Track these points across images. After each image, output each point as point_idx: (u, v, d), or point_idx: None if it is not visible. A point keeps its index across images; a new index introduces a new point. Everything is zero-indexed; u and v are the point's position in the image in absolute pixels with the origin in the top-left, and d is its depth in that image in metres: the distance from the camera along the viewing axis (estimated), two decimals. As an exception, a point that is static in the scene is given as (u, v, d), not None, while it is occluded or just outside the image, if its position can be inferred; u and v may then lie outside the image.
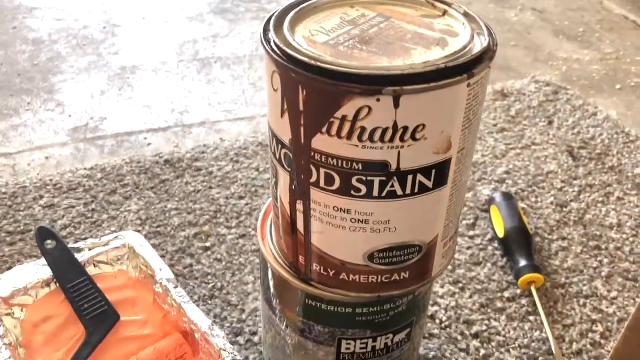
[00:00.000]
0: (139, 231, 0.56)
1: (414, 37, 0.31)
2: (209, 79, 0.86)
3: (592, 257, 0.58)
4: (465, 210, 0.63)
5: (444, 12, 0.33)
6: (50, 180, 0.65)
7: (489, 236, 0.59)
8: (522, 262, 0.54)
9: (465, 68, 0.29)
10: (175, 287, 0.48)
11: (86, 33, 0.95)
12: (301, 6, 0.33)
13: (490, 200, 0.61)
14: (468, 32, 0.31)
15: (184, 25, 1.00)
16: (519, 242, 0.56)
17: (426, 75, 0.28)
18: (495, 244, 0.58)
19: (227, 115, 0.79)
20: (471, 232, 0.60)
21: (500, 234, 0.57)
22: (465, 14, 0.33)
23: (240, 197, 0.63)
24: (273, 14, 0.32)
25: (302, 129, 0.30)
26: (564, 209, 0.64)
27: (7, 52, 0.89)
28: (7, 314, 0.46)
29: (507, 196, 0.61)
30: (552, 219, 0.62)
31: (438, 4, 0.34)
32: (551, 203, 0.64)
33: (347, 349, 0.39)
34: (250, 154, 0.70)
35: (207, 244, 0.57)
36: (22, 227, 0.58)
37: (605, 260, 0.58)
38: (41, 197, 0.62)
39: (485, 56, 0.30)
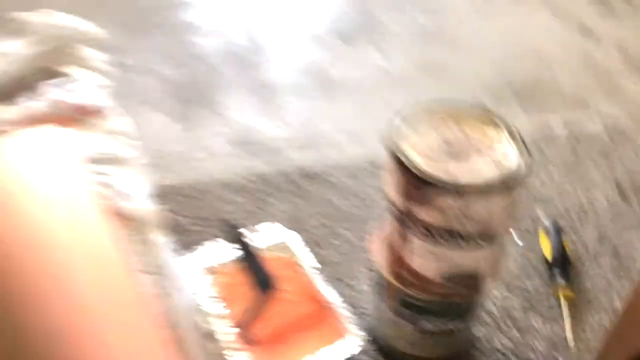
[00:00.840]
0: (288, 228, 0.82)
1: (483, 154, 0.53)
2: (335, 100, 1.10)
3: (619, 279, 0.77)
4: (522, 230, 0.83)
5: (503, 134, 0.54)
6: (224, 181, 0.92)
7: (538, 254, 0.80)
8: (560, 280, 0.74)
9: (511, 183, 0.50)
10: (317, 272, 0.73)
11: (238, 51, 1.21)
12: (411, 121, 0.55)
13: (541, 226, 0.81)
14: (516, 153, 0.52)
15: (311, 47, 1.23)
16: (560, 263, 0.76)
17: (484, 188, 0.49)
18: (542, 262, 0.79)
19: (350, 136, 1.02)
20: (524, 250, 0.80)
21: (547, 254, 0.77)
22: (516, 138, 0.54)
23: (359, 207, 0.87)
24: (393, 126, 0.54)
25: (407, 202, 0.53)
26: (604, 240, 0.82)
27: (178, 66, 1.17)
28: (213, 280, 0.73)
29: (555, 223, 0.80)
30: (591, 248, 0.81)
31: (500, 128, 0.55)
32: (593, 234, 0.83)
33: (427, 328, 0.62)
34: (367, 173, 0.93)
35: (337, 242, 0.82)
36: (211, 217, 0.85)
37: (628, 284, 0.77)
38: (219, 195, 0.89)
39: (524, 174, 0.51)
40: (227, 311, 0.70)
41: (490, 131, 0.55)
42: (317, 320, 0.71)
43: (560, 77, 1.16)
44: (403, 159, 0.51)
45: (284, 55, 1.20)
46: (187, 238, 0.83)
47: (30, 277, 0.43)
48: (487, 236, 0.52)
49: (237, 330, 0.68)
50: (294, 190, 0.90)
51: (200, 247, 0.77)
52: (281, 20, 1.30)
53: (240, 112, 1.06)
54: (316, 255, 0.80)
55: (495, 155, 0.52)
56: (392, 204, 0.55)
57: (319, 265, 0.79)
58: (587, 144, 0.99)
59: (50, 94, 1.05)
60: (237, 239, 0.77)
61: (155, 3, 1.31)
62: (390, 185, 0.55)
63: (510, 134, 0.54)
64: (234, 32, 1.26)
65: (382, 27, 1.27)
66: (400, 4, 1.35)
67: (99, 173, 0.90)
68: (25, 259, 0.44)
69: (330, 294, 0.71)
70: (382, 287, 0.63)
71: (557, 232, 0.80)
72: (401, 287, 0.60)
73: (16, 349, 0.42)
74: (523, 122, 1.04)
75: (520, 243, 0.81)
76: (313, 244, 0.82)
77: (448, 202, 0.50)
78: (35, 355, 0.42)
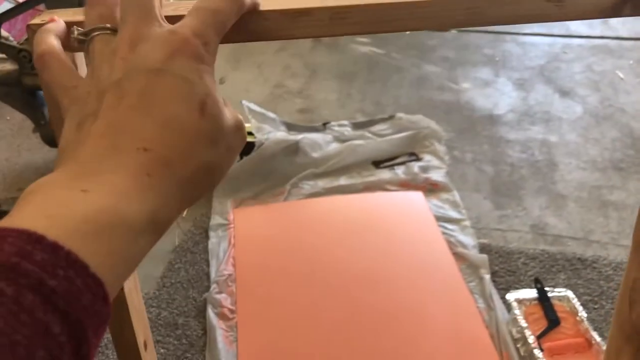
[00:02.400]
0: (567, 288, 1.29)
1: None
2: (608, 217, 1.54)
3: None
4: None
5: None
6: (521, 249, 1.42)
7: None
8: None
9: None
10: (585, 317, 1.19)
11: (539, 164, 1.71)
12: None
13: None
14: None
15: (590, 170, 1.68)
16: None
17: None
18: None
19: (617, 244, 1.46)
20: None
21: None
22: None
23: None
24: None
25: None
26: None
27: (495, 166, 1.71)
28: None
29: None
30: None
31: None
32: None
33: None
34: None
35: (602, 304, 1.27)
36: (515, 270, 1.36)
37: None
38: (518, 257, 1.40)
39: None
40: (527, 327, 1.20)
41: None
42: (583, 349, 1.16)
43: None
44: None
45: (569, 173, 1.67)
46: (501, 279, 1.35)
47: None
48: None
49: (535, 340, 1.17)
50: (567, 266, 1.36)
51: (514, 286, 1.29)
52: (570, 145, 1.78)
53: (537, 208, 1.56)
54: (585, 307, 1.25)
55: None
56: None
57: (586, 314, 1.24)
58: None
59: (410, 167, 1.76)
60: (536, 286, 1.27)
61: (484, 120, 1.88)
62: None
63: None
64: (537, 150, 1.76)
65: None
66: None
67: (443, 226, 1.54)
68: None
69: (594, 334, 1.16)
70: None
71: None
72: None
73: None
74: None
75: None
76: (585, 300, 1.27)
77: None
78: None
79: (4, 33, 1.42)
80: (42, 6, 1.45)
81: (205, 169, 0.30)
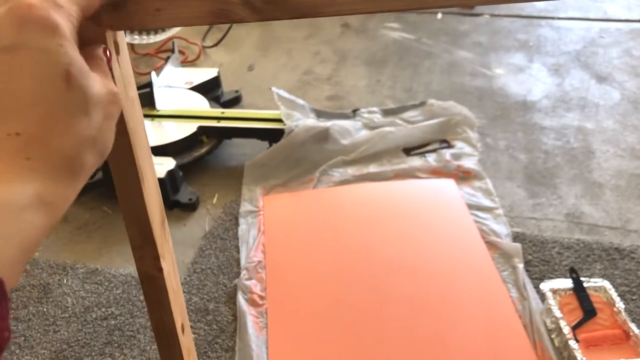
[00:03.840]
0: (603, 278, 1.25)
1: None
2: (643, 201, 1.49)
3: None
4: None
5: None
6: (556, 239, 1.38)
7: None
8: None
9: None
10: (623, 309, 1.16)
11: (574, 152, 1.67)
12: None
13: None
14: None
15: (629, 157, 1.63)
16: None
17: None
18: None
19: (652, 229, 1.41)
20: None
21: None
22: None
23: (656, 280, 1.26)
24: None
25: None
26: None
27: (529, 154, 1.67)
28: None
29: None
30: None
31: None
32: None
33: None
34: (665, 259, 1.32)
35: (636, 296, 1.23)
36: (550, 260, 1.33)
37: None
38: (553, 247, 1.36)
39: None
40: (562, 317, 1.17)
41: None
42: (621, 340, 1.13)
43: None
44: None
45: (605, 161, 1.63)
46: (534, 268, 1.32)
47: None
48: None
49: (571, 331, 1.15)
50: (604, 256, 1.33)
51: (548, 276, 1.26)
52: (607, 132, 1.73)
53: (573, 196, 1.52)
54: (622, 298, 1.22)
55: None
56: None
57: (623, 305, 1.21)
58: None
59: (442, 154, 1.74)
60: (572, 276, 1.24)
61: (518, 106, 1.84)
62: None
63: None
64: (572, 137, 1.72)
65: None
66: None
67: (475, 215, 1.51)
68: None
69: (632, 325, 1.13)
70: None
71: None
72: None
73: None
74: None
75: None
76: (623, 291, 1.24)
77: None
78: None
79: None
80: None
81: (87, 140, 0.29)
